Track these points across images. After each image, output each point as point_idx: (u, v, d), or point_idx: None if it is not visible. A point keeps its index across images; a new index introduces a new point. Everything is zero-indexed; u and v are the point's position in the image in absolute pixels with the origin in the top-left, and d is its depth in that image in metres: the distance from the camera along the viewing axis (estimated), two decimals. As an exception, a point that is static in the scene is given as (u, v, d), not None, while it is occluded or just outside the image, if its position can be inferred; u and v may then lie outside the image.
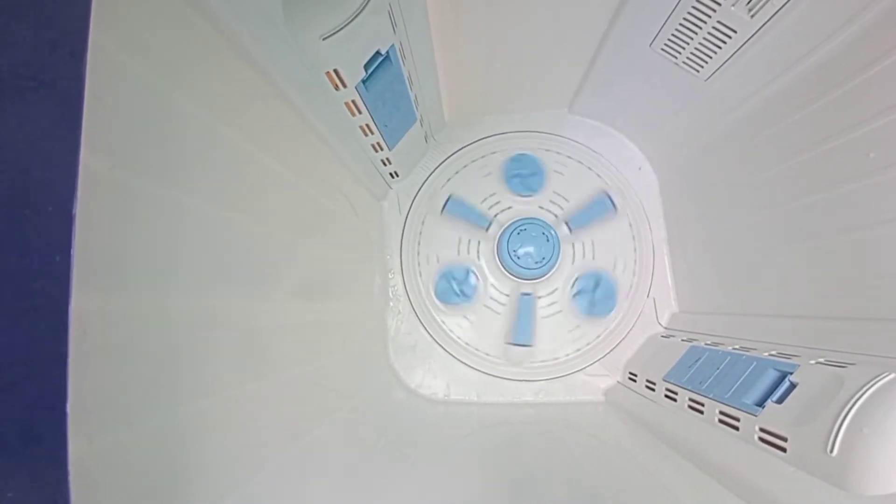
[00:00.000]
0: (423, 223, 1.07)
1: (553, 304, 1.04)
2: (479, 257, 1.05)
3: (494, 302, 1.05)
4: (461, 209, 1.05)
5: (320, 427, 0.68)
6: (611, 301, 1.03)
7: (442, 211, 1.05)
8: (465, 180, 1.08)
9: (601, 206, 1.04)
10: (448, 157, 1.09)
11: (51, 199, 0.25)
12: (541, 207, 1.06)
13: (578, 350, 1.03)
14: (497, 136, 1.09)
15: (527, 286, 1.04)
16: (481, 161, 1.09)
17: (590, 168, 1.07)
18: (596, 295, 1.03)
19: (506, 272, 1.04)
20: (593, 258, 1.05)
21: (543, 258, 1.02)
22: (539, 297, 1.04)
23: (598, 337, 1.03)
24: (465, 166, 1.09)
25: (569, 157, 1.08)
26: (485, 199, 1.07)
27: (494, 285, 1.05)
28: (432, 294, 1.04)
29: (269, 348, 0.61)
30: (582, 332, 1.03)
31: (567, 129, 1.09)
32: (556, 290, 1.04)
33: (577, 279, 1.04)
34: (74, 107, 0.26)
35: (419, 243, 1.06)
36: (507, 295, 1.05)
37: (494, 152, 1.09)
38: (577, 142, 1.09)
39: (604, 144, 1.08)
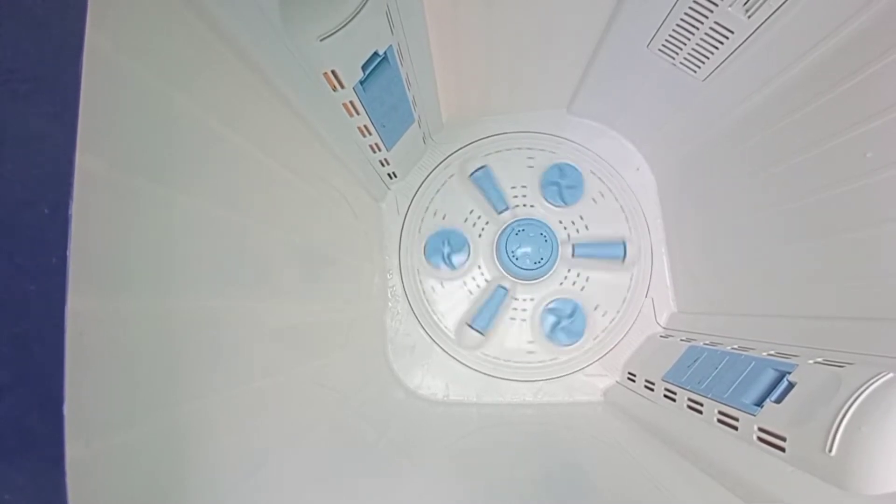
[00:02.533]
0: (420, 227, 1.07)
1: (523, 311, 1.04)
2: (480, 235, 1.06)
3: (473, 283, 1.05)
4: (488, 182, 1.05)
5: (320, 427, 0.68)
6: (576, 336, 1.02)
7: (470, 175, 1.05)
8: (503, 163, 1.07)
9: (613, 251, 1.03)
10: (446, 158, 1.09)
11: (47, 200, 0.25)
12: (559, 221, 1.06)
13: (578, 350, 1.03)
14: (495, 137, 1.09)
15: (507, 282, 1.04)
16: (530, 152, 1.08)
17: (622, 208, 1.06)
18: (564, 323, 1.02)
19: (495, 261, 1.04)
20: (581, 290, 1.04)
21: (536, 264, 1.03)
22: (514, 298, 1.04)
23: (597, 337, 1.03)
24: (510, 150, 1.09)
25: (615, 196, 1.07)
26: (514, 187, 1.07)
27: (480, 267, 1.05)
28: (421, 249, 1.05)
29: (268, 349, 0.61)
30: (533, 348, 1.03)
31: (565, 129, 1.09)
32: (532, 299, 1.04)
33: (555, 300, 1.04)
34: (70, 108, 0.26)
35: (417, 244, 1.06)
36: (487, 281, 1.05)
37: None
38: (575, 142, 1.09)
39: (602, 145, 1.08)
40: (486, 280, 1.05)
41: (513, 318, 1.04)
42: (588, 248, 1.03)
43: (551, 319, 1.03)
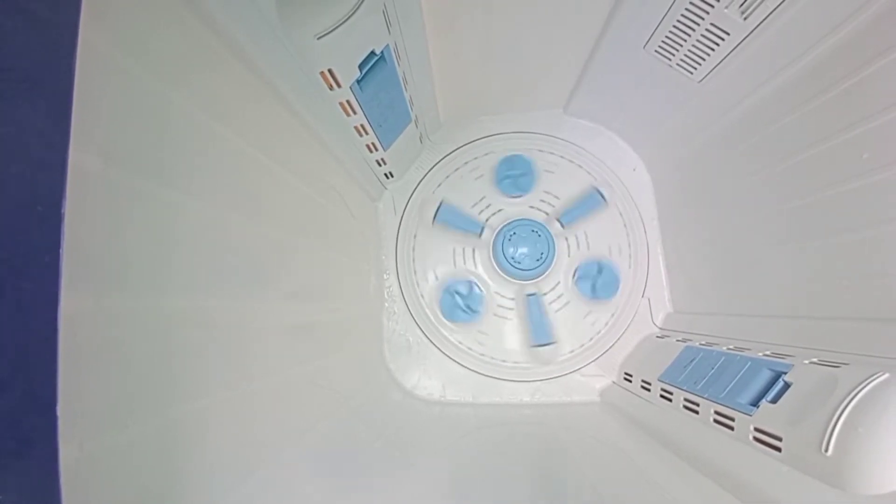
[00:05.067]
0: (418, 225, 1.07)
1: (560, 296, 1.05)
2: (476, 266, 1.05)
3: (503, 309, 1.05)
4: (452, 217, 1.05)
5: (317, 428, 0.67)
6: (614, 283, 1.04)
7: (434, 220, 1.04)
8: (455, 186, 1.08)
9: (592, 201, 1.05)
10: (443, 158, 1.09)
11: (40, 198, 0.25)
12: (531, 207, 1.07)
13: (574, 351, 1.03)
14: (492, 137, 1.09)
15: (530, 286, 1.04)
16: (474, 162, 1.09)
17: (580, 166, 1.08)
18: (599, 279, 1.04)
19: (506, 276, 1.04)
20: (588, 248, 1.06)
21: (541, 255, 1.02)
22: (544, 294, 1.04)
23: (598, 334, 1.03)
24: (457, 168, 1.08)
25: (561, 156, 1.09)
26: (475, 204, 1.07)
27: (499, 292, 1.05)
28: (439, 314, 1.04)
29: (265, 349, 0.60)
30: (596, 316, 1.04)
31: (562, 129, 1.09)
32: (558, 283, 1.05)
33: (577, 268, 1.05)
34: (63, 105, 0.26)
35: (414, 245, 1.06)
36: (513, 299, 1.05)
37: (489, 153, 1.09)
38: (572, 143, 1.09)
39: (598, 145, 1.09)
40: (511, 298, 1.05)
41: (558, 310, 1.04)
42: (571, 213, 1.04)
43: (587, 284, 1.04)
